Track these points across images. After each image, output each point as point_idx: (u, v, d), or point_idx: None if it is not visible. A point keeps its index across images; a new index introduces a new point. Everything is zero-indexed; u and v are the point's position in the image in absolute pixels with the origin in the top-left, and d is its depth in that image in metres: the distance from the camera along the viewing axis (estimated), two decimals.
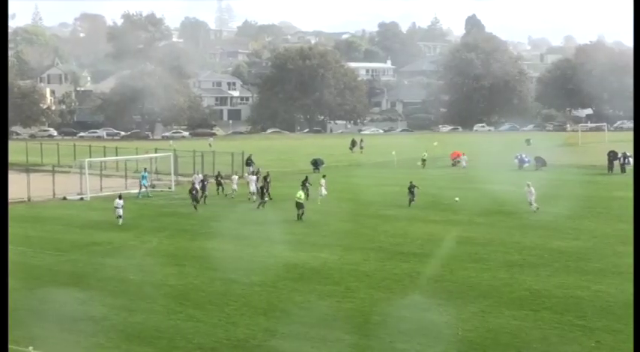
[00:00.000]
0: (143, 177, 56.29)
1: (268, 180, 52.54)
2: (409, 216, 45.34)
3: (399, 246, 36.53)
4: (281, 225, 42.29)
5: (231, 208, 49.49)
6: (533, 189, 45.54)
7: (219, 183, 55.30)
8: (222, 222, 43.47)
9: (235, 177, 55.80)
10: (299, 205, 43.98)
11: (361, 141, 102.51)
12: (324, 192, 51.31)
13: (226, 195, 54.43)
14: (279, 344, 22.71)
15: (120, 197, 44.45)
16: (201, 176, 55.89)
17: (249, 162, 69.05)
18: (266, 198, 49.09)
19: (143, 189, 55.82)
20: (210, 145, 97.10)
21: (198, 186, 51.13)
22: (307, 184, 51.25)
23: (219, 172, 57.73)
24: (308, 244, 37.21)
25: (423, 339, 22.93)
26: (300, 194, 44.84)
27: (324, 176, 53.66)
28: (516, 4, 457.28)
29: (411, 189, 48.71)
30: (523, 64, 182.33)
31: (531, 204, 45.07)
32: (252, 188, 52.67)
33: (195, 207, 48.31)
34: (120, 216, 43.21)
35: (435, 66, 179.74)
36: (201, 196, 50.89)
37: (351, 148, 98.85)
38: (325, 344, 22.57)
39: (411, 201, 48.41)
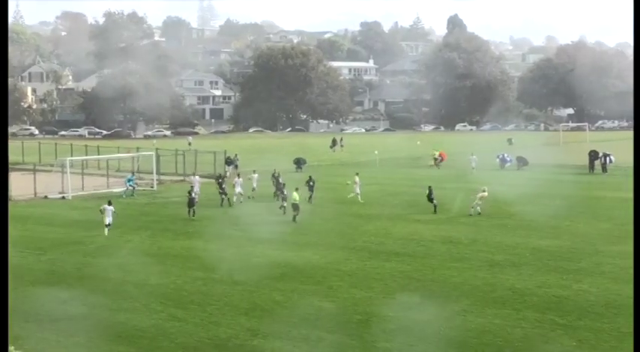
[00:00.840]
0: (129, 180, 55.71)
1: (281, 180, 50.83)
2: (392, 215, 45.38)
3: (382, 246, 36.52)
4: (265, 225, 42.22)
5: (214, 209, 49.12)
6: (486, 194, 44.72)
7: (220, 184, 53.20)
8: (206, 222, 43.26)
9: (255, 176, 54.03)
10: (295, 206, 42.86)
11: (341, 139, 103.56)
12: (357, 190, 50.42)
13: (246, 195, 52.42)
14: (261, 343, 22.65)
15: (109, 203, 40.88)
16: (198, 178, 54.23)
17: (229, 162, 68.75)
18: (285, 202, 45.79)
19: (129, 188, 55.36)
20: (189, 144, 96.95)
21: (197, 189, 49.31)
22: (311, 183, 50.43)
23: (220, 174, 56.40)
24: (291, 244, 37.15)
25: (405, 338, 22.93)
26: (296, 195, 43.52)
27: (357, 173, 52.56)
28: (498, 4, 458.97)
29: (430, 193, 45.97)
30: (505, 64, 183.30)
31: (474, 207, 44.13)
32: (238, 189, 51.08)
33: (192, 214, 44.76)
34: (109, 225, 39.44)
35: (417, 65, 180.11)
36: (223, 198, 49.46)
37: (331, 147, 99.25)
38: (307, 344, 22.52)
39: (434, 205, 45.72)
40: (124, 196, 54.15)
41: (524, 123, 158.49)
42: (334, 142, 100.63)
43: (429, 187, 46.68)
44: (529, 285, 28.76)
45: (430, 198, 45.92)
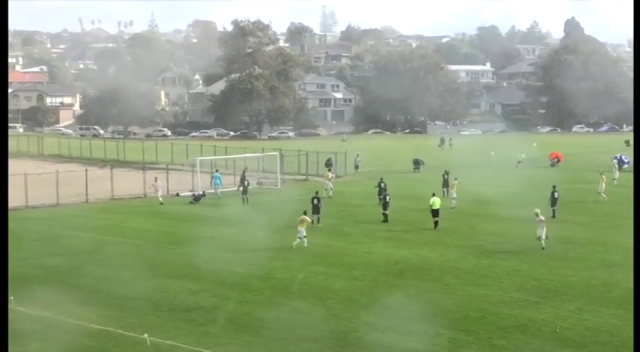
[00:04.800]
0: (216, 177, 55.25)
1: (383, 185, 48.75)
2: (507, 215, 44.25)
3: (497, 245, 36.02)
4: (382, 223, 42.20)
5: (328, 207, 49.22)
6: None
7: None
8: (325, 220, 43.07)
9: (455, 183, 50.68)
10: (435, 212, 40.90)
11: (450, 139, 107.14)
12: (603, 188, 50.10)
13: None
14: (380, 337, 22.67)
15: (305, 213, 36.84)
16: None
17: (328, 164, 67.42)
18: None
19: (219, 190, 54.61)
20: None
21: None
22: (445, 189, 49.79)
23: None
24: (408, 241, 37.03)
25: (520, 336, 22.59)
26: (434, 201, 41.36)
27: (601, 173, 52.08)
28: (615, 5, 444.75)
29: (554, 193, 43.68)
30: (623, 66, 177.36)
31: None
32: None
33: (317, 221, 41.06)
34: (303, 237, 35.33)
35: (534, 68, 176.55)
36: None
37: (440, 146, 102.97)
38: (425, 339, 22.41)
39: (553, 208, 43.19)
40: (217, 195, 53.84)
41: None
42: (442, 141, 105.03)
43: (553, 186, 44.54)
44: None
45: (553, 200, 43.50)
